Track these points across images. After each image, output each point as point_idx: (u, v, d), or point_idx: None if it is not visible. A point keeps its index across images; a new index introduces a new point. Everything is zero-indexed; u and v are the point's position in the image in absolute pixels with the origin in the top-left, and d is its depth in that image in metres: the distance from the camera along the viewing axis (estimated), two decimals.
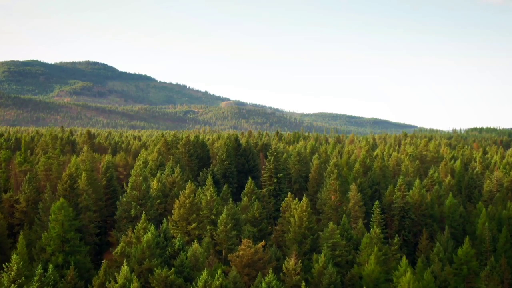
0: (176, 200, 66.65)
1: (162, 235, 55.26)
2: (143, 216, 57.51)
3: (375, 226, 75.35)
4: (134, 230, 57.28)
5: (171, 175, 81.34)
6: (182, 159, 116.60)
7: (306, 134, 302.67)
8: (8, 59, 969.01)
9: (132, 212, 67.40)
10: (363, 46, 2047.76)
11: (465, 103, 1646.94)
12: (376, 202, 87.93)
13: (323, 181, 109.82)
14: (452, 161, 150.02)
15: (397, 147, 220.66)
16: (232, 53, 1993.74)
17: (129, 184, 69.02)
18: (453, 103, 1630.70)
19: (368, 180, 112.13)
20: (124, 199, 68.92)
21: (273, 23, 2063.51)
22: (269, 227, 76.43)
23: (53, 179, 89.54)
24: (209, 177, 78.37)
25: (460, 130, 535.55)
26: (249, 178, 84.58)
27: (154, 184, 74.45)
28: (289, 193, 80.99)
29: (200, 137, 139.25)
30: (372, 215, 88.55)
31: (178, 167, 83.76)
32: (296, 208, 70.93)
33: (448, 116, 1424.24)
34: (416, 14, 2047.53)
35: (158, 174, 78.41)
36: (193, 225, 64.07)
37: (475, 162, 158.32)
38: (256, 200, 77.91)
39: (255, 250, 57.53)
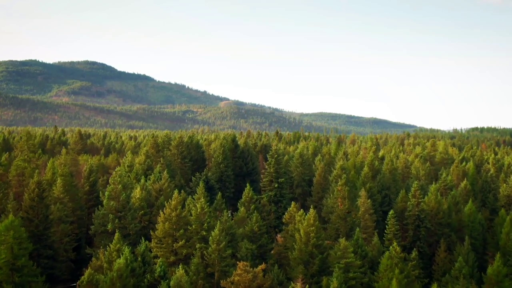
0: (161, 213, 56.01)
1: (139, 258, 44.69)
2: (116, 234, 46.83)
3: (394, 242, 64.47)
4: (106, 252, 46.66)
5: (158, 181, 70.63)
6: (174, 162, 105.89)
7: (307, 134, 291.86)
8: (6, 58, 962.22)
9: (109, 226, 56.75)
10: (363, 46, 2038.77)
11: (465, 103, 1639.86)
12: (391, 212, 77.27)
13: (328, 186, 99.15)
14: (464, 163, 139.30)
15: (400, 147, 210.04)
16: (231, 53, 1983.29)
17: (106, 193, 58.35)
18: (453, 103, 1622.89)
19: (377, 184, 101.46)
20: (101, 211, 58.25)
21: (272, 23, 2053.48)
22: (270, 241, 65.67)
23: (26, 185, 78.80)
24: (201, 185, 67.55)
25: (462, 130, 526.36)
26: (247, 184, 73.79)
27: (137, 192, 63.86)
28: (292, 203, 70.31)
29: (195, 137, 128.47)
30: (386, 225, 77.99)
31: (165, 171, 72.99)
32: (301, 221, 60.23)
33: (447, 116, 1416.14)
34: (416, 14, 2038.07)
35: (142, 181, 67.64)
36: (180, 243, 53.44)
37: (488, 164, 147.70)
38: (255, 211, 67.14)
39: (253, 275, 46.96)
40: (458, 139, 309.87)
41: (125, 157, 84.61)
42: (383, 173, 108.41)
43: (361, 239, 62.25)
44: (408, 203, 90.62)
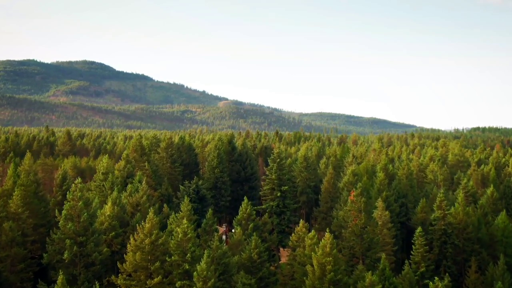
0: (131, 239, 42.61)
1: None
2: (60, 277, 33.37)
3: (422, 265, 50.94)
4: None
5: (136, 193, 57.00)
6: (162, 167, 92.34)
7: (308, 134, 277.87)
8: (4, 58, 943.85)
9: (65, 255, 43.23)
10: (362, 46, 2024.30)
11: (464, 103, 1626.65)
12: (419, 229, 63.57)
13: (338, 195, 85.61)
14: (483, 166, 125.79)
15: (406, 148, 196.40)
16: (230, 53, 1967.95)
17: (63, 212, 44.84)
18: (452, 103, 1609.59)
19: (394, 192, 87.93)
20: (56, 235, 44.74)
21: (271, 23, 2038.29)
22: (273, 271, 52.05)
23: None
24: (186, 200, 53.95)
25: (463, 129, 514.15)
26: (245, 198, 60.07)
27: (107, 208, 50.49)
28: (301, 222, 56.70)
29: (187, 138, 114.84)
30: (413, 245, 64.56)
31: (144, 181, 59.36)
32: (312, 245, 46.68)
33: (447, 116, 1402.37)
34: (416, 14, 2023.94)
35: (115, 193, 54.07)
36: (156, 279, 40.04)
37: (508, 167, 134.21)
38: (254, 231, 53.50)
39: None
40: (463, 139, 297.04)
41: (100, 163, 71.08)
42: (399, 179, 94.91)
43: (388, 270, 48.63)
44: (433, 215, 77.21)
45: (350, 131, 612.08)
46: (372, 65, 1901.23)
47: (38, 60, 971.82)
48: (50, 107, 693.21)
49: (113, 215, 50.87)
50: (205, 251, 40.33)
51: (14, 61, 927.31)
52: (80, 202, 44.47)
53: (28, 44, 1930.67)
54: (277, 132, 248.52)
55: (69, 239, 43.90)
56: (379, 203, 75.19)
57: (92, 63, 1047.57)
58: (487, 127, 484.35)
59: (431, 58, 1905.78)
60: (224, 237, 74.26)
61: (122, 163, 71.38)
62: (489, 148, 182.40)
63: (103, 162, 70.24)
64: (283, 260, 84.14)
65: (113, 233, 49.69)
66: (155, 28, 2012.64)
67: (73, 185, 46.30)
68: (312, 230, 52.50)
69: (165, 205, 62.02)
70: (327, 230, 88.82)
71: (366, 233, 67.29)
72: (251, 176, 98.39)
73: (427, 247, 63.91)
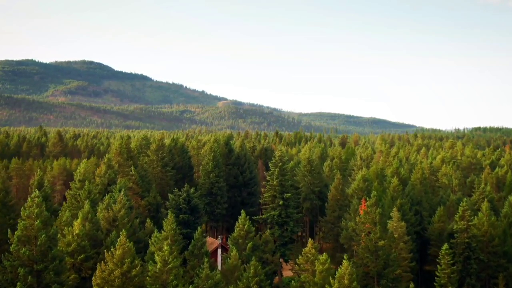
0: (98, 268, 33.54)
1: None
2: None
3: None
4: None
5: (113, 206, 47.81)
6: (152, 172, 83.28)
7: (308, 134, 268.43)
8: (3, 58, 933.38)
9: (17, 286, 34.23)
10: (362, 46, 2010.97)
11: (464, 102, 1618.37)
12: (445, 246, 54.39)
13: (347, 202, 76.49)
14: (498, 169, 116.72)
15: (413, 148, 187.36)
16: (229, 53, 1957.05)
17: (16, 233, 35.74)
18: (452, 103, 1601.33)
19: (408, 199, 78.81)
20: (8, 262, 35.73)
21: (271, 23, 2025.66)
22: None
23: None
24: (169, 216, 44.81)
25: (465, 129, 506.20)
26: (242, 212, 50.82)
27: (76, 225, 41.49)
28: (310, 241, 47.51)
29: (180, 139, 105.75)
30: (439, 265, 55.55)
31: (123, 191, 50.18)
32: (324, 272, 37.61)
33: (447, 115, 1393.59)
34: (415, 14, 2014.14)
35: (86, 206, 44.83)
36: None
37: None
38: (253, 253, 44.33)
39: None
40: (466, 139, 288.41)
41: (77, 170, 61.86)
42: (412, 184, 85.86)
43: None
44: (454, 226, 68.24)
45: (349, 131, 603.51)
46: (371, 65, 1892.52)
47: (36, 60, 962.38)
48: (48, 107, 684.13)
49: (83, 233, 41.88)
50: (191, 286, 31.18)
51: (12, 61, 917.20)
52: (38, 221, 35.43)
53: (27, 44, 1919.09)
54: (277, 132, 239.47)
55: (22, 267, 34.85)
56: (394, 213, 66.18)
57: (91, 63, 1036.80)
58: (488, 127, 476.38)
59: (431, 58, 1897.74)
60: (219, 253, 65.22)
61: (102, 168, 62.30)
62: (499, 149, 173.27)
63: (81, 166, 61.03)
64: (285, 274, 75.20)
65: (82, 255, 40.70)
66: (154, 28, 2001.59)
67: (29, 199, 37.19)
68: (324, 254, 43.30)
69: (148, 220, 52.96)
70: (327, 224, 79.91)
71: (382, 249, 58.31)
72: (250, 181, 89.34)
73: (455, 267, 54.86)
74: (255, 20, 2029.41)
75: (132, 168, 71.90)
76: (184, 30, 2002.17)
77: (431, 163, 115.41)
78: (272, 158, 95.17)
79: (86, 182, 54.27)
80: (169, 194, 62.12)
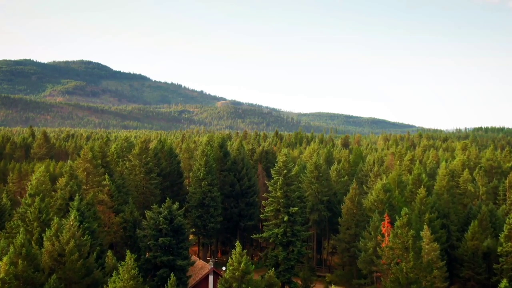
0: None
1: None
2: None
3: None
4: None
5: (69, 230, 34.60)
6: (134, 179, 70.21)
7: (309, 134, 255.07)
8: (0, 58, 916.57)
9: None
10: (361, 46, 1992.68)
11: (464, 102, 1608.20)
12: (504, 282, 41.25)
13: (364, 217, 63.35)
14: None
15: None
16: (228, 53, 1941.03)
17: None
18: (452, 103, 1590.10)
19: (436, 213, 65.68)
20: None
21: (269, 23, 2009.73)
22: None
23: None
24: (129, 259, 31.51)
25: (466, 129, 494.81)
26: (237, 244, 37.41)
27: (2, 264, 28.59)
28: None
29: (167, 141, 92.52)
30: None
31: (73, 215, 36.92)
32: None
33: (446, 115, 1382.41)
34: (414, 13, 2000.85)
35: (19, 237, 31.50)
36: None
37: None
38: None
39: None
40: (471, 139, 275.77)
41: (31, 181, 48.77)
42: (437, 193, 72.88)
43: None
44: (499, 249, 55.35)
45: (349, 131, 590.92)
46: (370, 65, 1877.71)
47: (34, 60, 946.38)
48: (45, 107, 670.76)
49: (12, 275, 28.96)
50: None
51: (10, 60, 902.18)
52: None
53: (25, 44, 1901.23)
54: (276, 133, 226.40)
55: None
56: (426, 233, 53.19)
57: (89, 63, 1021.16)
58: (489, 127, 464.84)
59: (430, 58, 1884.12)
60: (210, 281, 52.18)
61: (64, 178, 49.21)
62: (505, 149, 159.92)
63: (35, 174, 47.91)
64: None
65: None
66: (153, 27, 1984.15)
67: None
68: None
69: (109, 253, 39.89)
70: (341, 243, 66.75)
71: (416, 282, 45.26)
72: (248, 190, 76.19)
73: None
74: (254, 20, 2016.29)
75: (106, 176, 58.77)
76: (183, 30, 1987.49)
77: (449, 167, 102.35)
78: (275, 163, 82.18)
79: (37, 198, 41.14)
80: (146, 211, 48.94)
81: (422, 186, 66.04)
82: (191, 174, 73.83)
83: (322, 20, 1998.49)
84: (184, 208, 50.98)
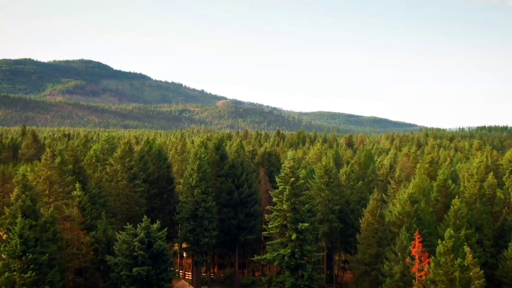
0: None
1: None
2: None
3: None
4: None
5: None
6: (116, 186, 59.68)
7: (312, 134, 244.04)
8: (0, 57, 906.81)
9: None
10: (361, 46, 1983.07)
11: (464, 101, 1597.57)
12: None
13: (387, 233, 52.62)
14: None
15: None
16: (229, 52, 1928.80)
17: None
18: (452, 102, 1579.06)
19: (472, 228, 54.95)
20: None
21: (271, 23, 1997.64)
22: None
23: None
24: None
25: (469, 128, 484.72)
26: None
27: None
28: None
29: (156, 142, 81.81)
30: None
31: (13, 242, 26.45)
32: None
33: (447, 114, 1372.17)
34: (415, 13, 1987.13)
35: None
36: None
37: None
38: None
39: None
40: (478, 138, 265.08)
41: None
42: (468, 203, 62.10)
43: None
44: None
45: (350, 130, 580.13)
46: (371, 65, 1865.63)
47: (34, 59, 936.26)
48: (45, 107, 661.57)
49: None
50: None
51: (10, 60, 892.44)
52: None
53: (25, 43, 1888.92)
54: (278, 132, 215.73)
55: None
56: (468, 257, 42.56)
57: (90, 62, 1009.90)
58: (493, 126, 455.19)
59: (431, 57, 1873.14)
60: None
61: (16, 190, 38.78)
62: None
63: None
64: None
65: None
66: (154, 27, 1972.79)
67: None
68: None
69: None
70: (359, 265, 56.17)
71: None
72: (248, 198, 65.47)
73: None
74: (254, 20, 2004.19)
75: (78, 185, 48.20)
76: (183, 30, 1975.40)
77: (470, 170, 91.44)
78: (278, 167, 71.72)
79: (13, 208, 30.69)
80: (117, 233, 38.31)
81: (457, 197, 55.21)
82: (181, 181, 63.18)
83: (322, 20, 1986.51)
84: (164, 230, 40.37)
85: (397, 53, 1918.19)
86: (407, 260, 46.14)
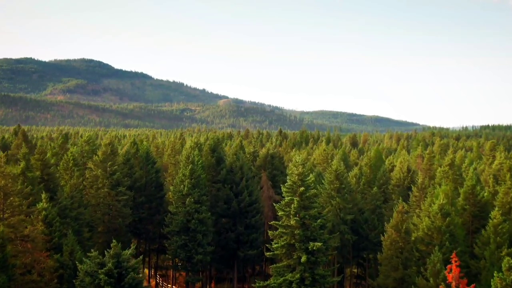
0: None
1: None
2: None
3: None
4: None
5: None
6: (95, 194, 51.30)
7: (315, 133, 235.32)
8: (1, 57, 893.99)
9: None
10: (362, 46, 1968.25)
11: (466, 100, 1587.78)
12: None
13: (413, 253, 44.05)
14: None
15: (450, 149, 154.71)
16: (230, 52, 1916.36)
17: None
18: (454, 101, 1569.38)
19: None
20: None
21: (272, 22, 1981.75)
22: None
23: None
24: None
25: (473, 127, 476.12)
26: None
27: None
28: None
29: (144, 143, 73.26)
30: None
31: None
32: None
33: (450, 114, 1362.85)
34: (415, 13, 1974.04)
35: None
36: None
37: None
38: None
39: None
40: (484, 137, 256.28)
41: None
42: (501, 212, 53.49)
43: None
44: None
45: (352, 129, 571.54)
46: (372, 64, 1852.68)
47: (35, 59, 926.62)
48: (45, 106, 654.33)
49: None
50: None
51: (11, 59, 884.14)
52: None
53: (26, 43, 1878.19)
54: (280, 131, 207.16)
55: None
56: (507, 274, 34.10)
57: (91, 61, 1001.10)
58: (496, 125, 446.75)
59: (431, 57, 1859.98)
60: None
61: None
62: None
63: None
64: None
65: None
66: (154, 27, 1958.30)
67: None
68: None
69: None
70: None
71: None
72: (249, 207, 56.94)
73: None
74: (255, 20, 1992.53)
75: (43, 195, 39.88)
76: (183, 29, 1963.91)
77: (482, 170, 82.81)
78: (283, 171, 63.19)
79: None
80: (84, 259, 29.83)
81: (496, 209, 46.55)
82: (171, 188, 54.70)
83: (322, 20, 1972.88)
84: (141, 257, 31.93)
85: (398, 52, 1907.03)
86: (441, 287, 37.76)
